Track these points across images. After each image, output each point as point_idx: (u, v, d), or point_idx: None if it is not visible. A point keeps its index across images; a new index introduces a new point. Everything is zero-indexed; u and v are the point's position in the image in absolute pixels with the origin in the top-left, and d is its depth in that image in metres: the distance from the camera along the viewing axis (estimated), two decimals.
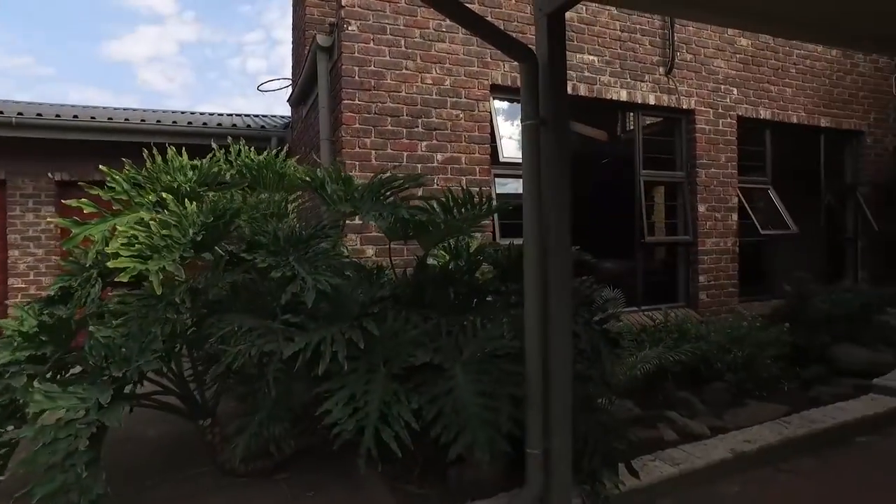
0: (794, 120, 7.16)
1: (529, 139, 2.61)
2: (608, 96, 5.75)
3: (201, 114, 9.21)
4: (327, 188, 3.14)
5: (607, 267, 6.32)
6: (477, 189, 4.73)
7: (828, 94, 7.51)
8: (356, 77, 4.70)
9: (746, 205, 6.60)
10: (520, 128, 2.71)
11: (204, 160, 3.38)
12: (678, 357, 4.34)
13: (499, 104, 5.29)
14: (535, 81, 2.64)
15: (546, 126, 2.61)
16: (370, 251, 4.71)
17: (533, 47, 2.72)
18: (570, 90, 5.50)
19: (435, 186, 4.86)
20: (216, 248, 3.01)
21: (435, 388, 2.49)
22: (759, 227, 6.53)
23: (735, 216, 6.56)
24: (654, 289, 6.29)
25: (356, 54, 4.68)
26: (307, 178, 3.28)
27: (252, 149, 3.88)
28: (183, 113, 9.10)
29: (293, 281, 2.57)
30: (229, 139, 3.87)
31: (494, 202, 4.63)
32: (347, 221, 4.35)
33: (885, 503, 3.33)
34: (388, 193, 3.19)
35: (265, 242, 2.75)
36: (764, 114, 6.87)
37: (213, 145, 3.68)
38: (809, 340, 5.81)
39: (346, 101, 4.63)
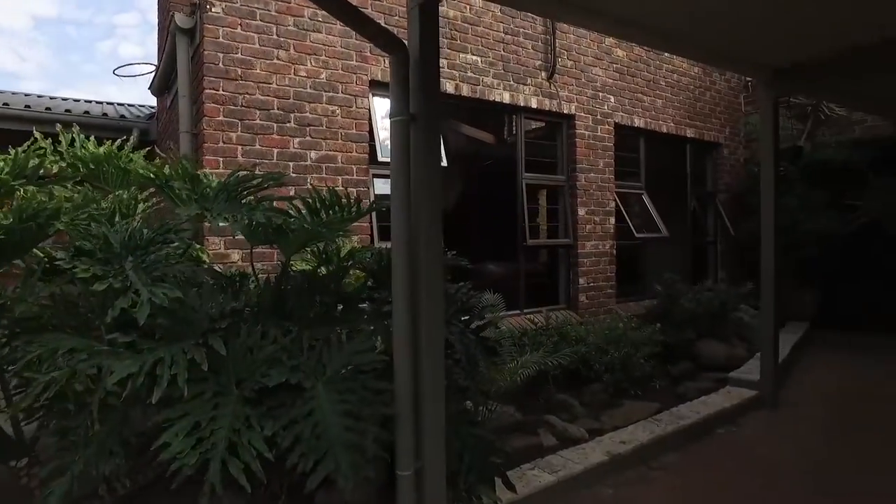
0: (665, 130, 7.63)
1: (398, 136, 2.45)
2: (491, 98, 5.75)
3: (51, 98, 8.17)
4: (174, 186, 2.78)
5: (491, 270, 6.34)
6: (345, 189, 4.55)
7: (692, 107, 8.09)
8: (220, 64, 4.30)
9: (623, 209, 6.91)
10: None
11: (20, 149, 2.88)
12: (558, 361, 4.39)
13: (379, 101, 5.09)
14: (405, 75, 2.48)
15: (416, 123, 2.46)
16: (236, 256, 4.33)
17: (407, 41, 2.56)
18: (452, 89, 5.45)
19: (307, 186, 4.56)
20: (31, 254, 2.55)
21: (293, 410, 2.24)
22: (634, 230, 6.87)
23: (613, 220, 6.85)
24: (537, 291, 6.39)
25: (221, 39, 4.28)
26: (151, 175, 2.88)
27: (92, 139, 3.39)
28: (27, 95, 8.03)
29: (124, 294, 2.21)
30: (75, 128, 3.36)
31: (371, 203, 4.45)
32: (207, 224, 3.96)
33: (734, 488, 3.55)
34: (247, 193, 2.88)
35: (89, 249, 2.36)
36: (638, 122, 7.24)
37: (36, 133, 3.16)
38: (678, 338, 6.18)
39: (208, 91, 4.22)
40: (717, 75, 8.49)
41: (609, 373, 5.12)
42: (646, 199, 7.38)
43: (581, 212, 6.50)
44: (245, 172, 2.82)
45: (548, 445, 3.88)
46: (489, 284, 6.57)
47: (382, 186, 5.06)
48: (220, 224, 2.85)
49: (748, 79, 8.94)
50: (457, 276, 3.41)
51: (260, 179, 2.79)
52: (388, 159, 4.64)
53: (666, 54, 7.62)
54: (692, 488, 3.59)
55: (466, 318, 3.21)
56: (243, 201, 2.80)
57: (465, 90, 5.57)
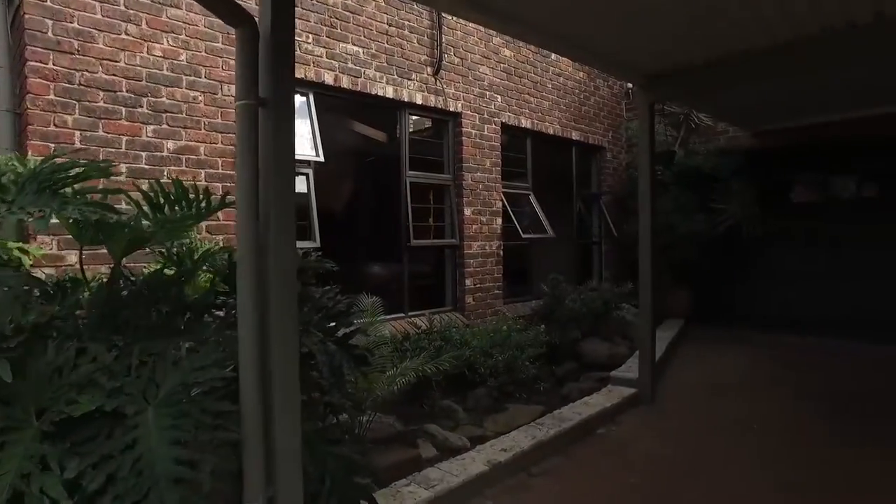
0: (551, 131, 7.80)
1: (245, 123, 2.17)
2: (374, 91, 5.54)
3: None
4: None
5: (374, 272, 6.13)
6: (206, 184, 4.14)
7: (577, 111, 8.35)
8: (49, 33, 3.74)
9: (510, 209, 6.96)
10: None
11: None
12: (438, 367, 4.25)
13: None
14: (253, 53, 2.21)
15: (267, 108, 2.20)
16: (73, 258, 3.80)
17: (258, 16, 2.29)
18: (331, 80, 5.18)
19: (166, 179, 4.12)
20: None
21: (109, 443, 1.91)
22: (521, 231, 6.94)
23: (499, 220, 6.88)
24: (422, 293, 6.27)
25: (48, 3, 3.73)
26: None
27: None
28: None
29: None
30: None
31: (223, 198, 4.04)
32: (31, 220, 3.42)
33: (610, 488, 3.59)
34: (70, 183, 2.47)
35: None
36: (525, 123, 7.34)
37: None
38: (563, 338, 6.30)
39: (32, 63, 3.66)
40: (601, 81, 8.84)
41: (493, 377, 5.09)
42: (533, 199, 7.49)
43: (467, 212, 6.45)
44: (64, 159, 2.41)
45: (427, 457, 3.74)
46: (373, 287, 6.36)
47: None
48: (28, 220, 2.41)
49: (629, 86, 9.40)
50: (325, 279, 3.17)
51: (84, 168, 2.39)
52: None
53: (552, 56, 7.80)
54: (570, 492, 3.59)
55: (332, 325, 2.99)
56: (60, 192, 2.40)
57: (346, 82, 5.31)
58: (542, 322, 6.52)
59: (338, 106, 5.73)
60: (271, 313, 2.20)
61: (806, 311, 9.21)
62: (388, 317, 5.69)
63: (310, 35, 5.08)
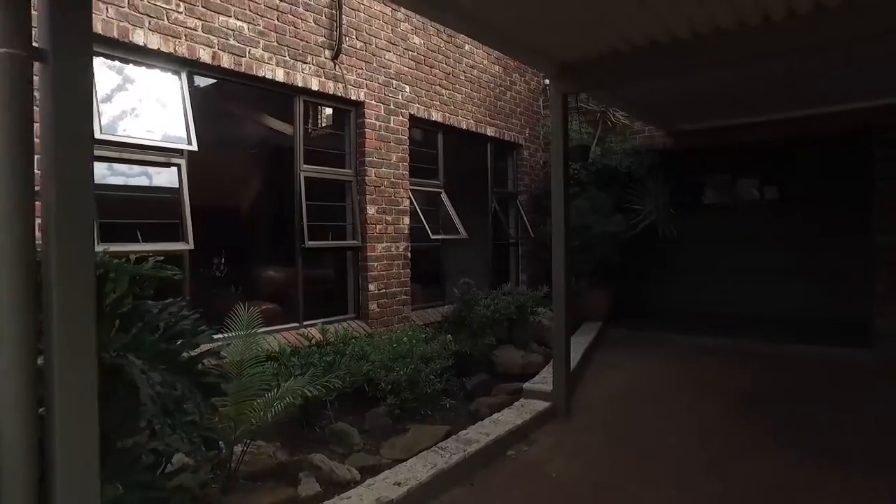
0: (465, 126, 7.47)
1: (6, 79, 1.62)
2: (260, 73, 4.97)
3: None
4: None
5: (266, 277, 5.56)
6: None
7: (493, 106, 8.07)
8: None
9: (418, 208, 6.55)
10: None
11: None
12: (326, 386, 3.76)
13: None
14: None
15: (47, 62, 1.66)
16: None
17: None
18: (209, 58, 4.59)
19: None
20: None
21: None
22: (430, 231, 6.54)
23: (407, 219, 6.45)
24: (320, 301, 5.75)
25: None
26: None
27: None
28: None
29: None
30: None
31: None
32: None
33: None
34: None
35: None
36: (436, 116, 6.96)
37: None
38: (475, 347, 5.94)
39: None
40: (518, 76, 8.62)
41: (395, 393, 4.64)
42: (444, 198, 7.13)
43: (371, 210, 5.99)
44: None
45: (306, 496, 3.24)
46: (264, 294, 5.79)
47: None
48: None
49: (546, 83, 9.25)
50: (166, 291, 2.63)
51: None
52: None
53: (466, 47, 7.48)
54: None
55: (177, 345, 2.45)
56: None
57: (226, 60, 4.71)
58: (453, 329, 6.15)
59: (218, 89, 5.12)
60: (53, 336, 1.65)
61: (722, 310, 9.41)
62: (276, 328, 5.15)
63: (181, 3, 4.45)
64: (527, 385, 5.25)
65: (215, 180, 5.26)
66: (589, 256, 8.05)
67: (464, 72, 7.50)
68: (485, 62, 7.91)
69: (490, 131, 7.97)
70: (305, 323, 5.42)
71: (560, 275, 5.02)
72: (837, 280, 8.50)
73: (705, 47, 4.23)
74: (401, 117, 6.42)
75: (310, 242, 5.38)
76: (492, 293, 6.72)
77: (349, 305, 6.03)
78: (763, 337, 7.47)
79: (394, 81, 6.34)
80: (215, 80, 4.94)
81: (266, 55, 5.03)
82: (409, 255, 6.47)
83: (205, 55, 4.58)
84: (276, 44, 5.13)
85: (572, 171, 8.11)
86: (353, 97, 5.84)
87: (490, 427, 4.32)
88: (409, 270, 6.47)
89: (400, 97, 6.42)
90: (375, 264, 6.03)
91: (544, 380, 5.34)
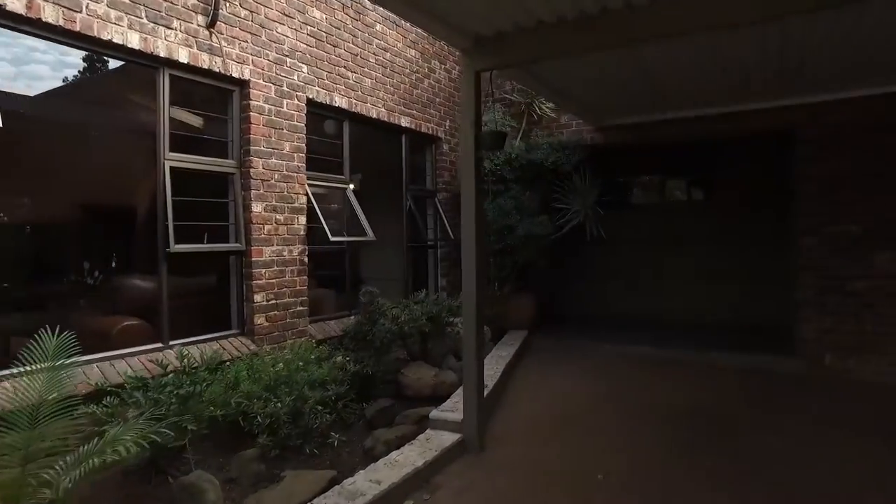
0: (374, 115, 6.75)
1: None
2: (105, 36, 4.05)
3: None
4: None
5: (118, 288, 4.65)
6: None
7: (408, 93, 7.39)
8: None
9: (317, 206, 5.77)
10: None
11: None
12: (175, 428, 2.97)
13: None
14: None
15: None
16: None
17: None
18: (21, 8, 3.65)
19: None
20: None
21: None
22: (329, 232, 5.77)
23: (303, 219, 5.66)
24: (196, 315, 4.89)
25: None
26: None
27: None
28: None
29: None
30: None
31: None
32: None
33: None
34: None
35: None
36: (340, 102, 6.20)
37: None
38: (378, 366, 5.24)
39: None
40: (437, 63, 7.98)
41: (271, 431, 3.87)
42: (350, 194, 6.38)
43: (257, 208, 5.17)
44: None
45: None
46: (120, 308, 4.90)
47: None
48: None
49: None
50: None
51: None
52: None
53: (377, 26, 6.77)
54: None
55: None
56: None
57: (50, 13, 3.76)
58: (354, 346, 5.43)
59: (43, 51, 4.18)
60: None
61: (652, 313, 9.14)
62: (133, 350, 4.27)
63: None
64: (434, 413, 4.59)
65: (43, 166, 4.31)
66: (513, 260, 7.52)
67: (374, 54, 6.77)
68: (399, 44, 7.22)
69: (405, 122, 7.29)
70: (173, 343, 4.56)
71: (471, 281, 4.35)
72: (764, 283, 8.36)
73: (613, 24, 3.72)
74: (296, 101, 5.63)
75: (177, 246, 4.50)
76: (403, 302, 6.04)
77: (232, 320, 5.18)
78: (693, 345, 7.15)
79: (288, 60, 5.54)
80: (35, 38, 3.95)
81: (114, 14, 4.12)
82: (305, 259, 5.68)
83: (15, 3, 3.63)
84: (128, 1, 4.23)
85: (494, 168, 7.55)
86: (236, 74, 5.00)
87: (384, 472, 3.62)
88: (305, 277, 5.68)
89: (296, 78, 5.63)
90: (263, 271, 5.21)
91: (456, 405, 4.70)
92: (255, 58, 5.18)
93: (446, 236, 8.01)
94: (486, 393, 5.15)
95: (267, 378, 4.16)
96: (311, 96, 5.80)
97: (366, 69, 6.63)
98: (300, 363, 4.50)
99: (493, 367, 6.05)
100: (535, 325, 8.28)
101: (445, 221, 8.00)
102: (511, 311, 8.01)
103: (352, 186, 6.43)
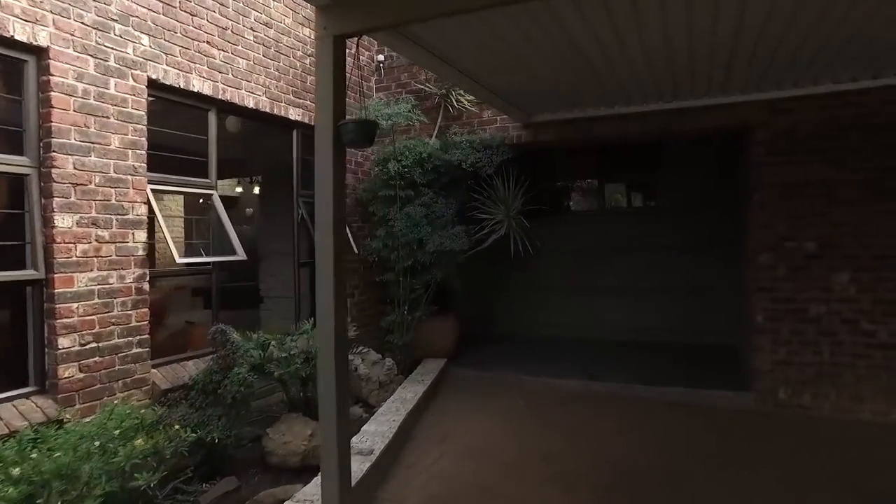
0: (253, 104, 5.54)
1: None
2: None
3: None
4: None
5: None
6: None
7: (301, 81, 6.21)
8: None
9: (161, 219, 4.52)
10: None
11: None
12: None
13: None
14: None
15: None
16: None
17: None
18: None
19: None
20: None
21: None
22: (174, 252, 4.51)
23: (142, 235, 4.40)
24: None
25: None
26: None
27: None
28: None
29: None
30: None
31: None
32: None
33: None
34: None
35: None
36: (202, 86, 4.97)
37: None
38: (229, 430, 4.05)
39: None
40: None
41: None
42: (216, 202, 5.15)
43: (65, 221, 3.88)
44: None
45: None
46: None
47: None
48: None
49: (380, 58, 7.56)
50: None
51: None
52: None
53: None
54: None
55: None
56: None
57: None
58: (202, 401, 4.21)
59: None
60: None
61: (587, 334, 8.32)
62: None
63: None
64: (291, 502, 3.43)
65: None
66: (424, 279, 6.45)
67: (253, 29, 5.57)
68: (287, 20, 6.03)
69: (295, 114, 6.09)
70: None
71: (328, 317, 3.21)
72: (713, 299, 7.63)
73: None
74: (131, 81, 4.36)
75: None
76: (278, 337, 4.86)
77: (29, 373, 3.88)
78: (634, 375, 6.27)
79: (117, 26, 4.27)
80: None
81: None
82: (145, 286, 4.41)
83: None
84: None
85: (402, 170, 6.46)
86: (24, 38, 3.70)
87: None
88: (145, 310, 4.41)
89: (131, 51, 4.36)
90: (76, 305, 3.92)
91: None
92: (58, 17, 3.88)
93: (349, 250, 6.87)
94: (378, 453, 4.10)
95: (51, 467, 2.91)
96: (155, 76, 4.54)
97: (240, 47, 5.42)
98: (111, 437, 3.27)
99: (393, 415, 4.97)
100: (457, 350, 7.26)
101: (348, 233, 6.85)
102: (426, 337, 6.94)
103: (217, 193, 5.18)
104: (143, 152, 4.45)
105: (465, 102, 6.78)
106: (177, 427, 3.61)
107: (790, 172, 5.55)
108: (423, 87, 7.02)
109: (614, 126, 6.33)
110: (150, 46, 4.53)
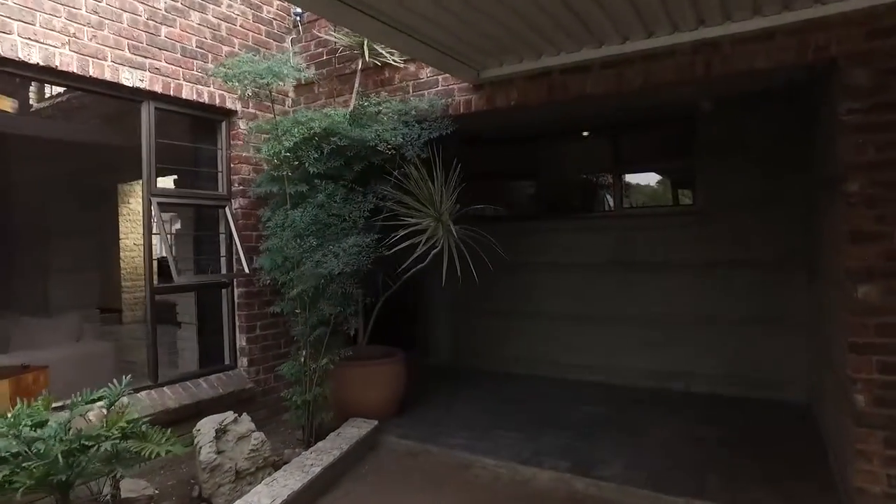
0: (95, 73, 3.89)
1: None
2: None
3: None
4: None
5: None
6: None
7: (148, 30, 4.49)
8: None
9: None
10: None
11: None
12: None
13: None
14: None
15: None
16: None
17: None
18: None
19: None
20: None
21: None
22: None
23: None
24: None
25: None
26: None
27: None
28: None
29: None
30: None
31: None
32: None
33: None
34: None
35: None
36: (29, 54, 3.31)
37: None
38: None
39: None
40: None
41: None
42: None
43: None
44: None
45: None
46: None
47: None
48: None
49: (296, 11, 5.71)
50: None
51: None
52: None
53: None
54: None
55: None
56: None
57: None
58: None
59: None
60: None
61: (561, 374, 6.29)
62: None
63: None
64: None
65: None
66: (316, 316, 4.50)
67: None
68: None
69: (139, 79, 4.35)
70: None
71: None
72: (776, 336, 5.36)
73: None
74: None
75: None
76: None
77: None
78: (646, 468, 4.03)
79: None
80: None
81: None
82: None
83: None
84: None
85: (285, 153, 4.55)
86: None
87: None
88: None
89: None
90: None
91: None
92: None
93: (240, 270, 5.04)
94: None
95: None
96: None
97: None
98: None
99: None
100: (402, 404, 5.31)
101: (239, 245, 5.03)
102: (356, 387, 5.02)
103: None
104: None
105: (390, 57, 4.80)
106: None
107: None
108: (330, 38, 5.11)
109: (606, 80, 4.17)
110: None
